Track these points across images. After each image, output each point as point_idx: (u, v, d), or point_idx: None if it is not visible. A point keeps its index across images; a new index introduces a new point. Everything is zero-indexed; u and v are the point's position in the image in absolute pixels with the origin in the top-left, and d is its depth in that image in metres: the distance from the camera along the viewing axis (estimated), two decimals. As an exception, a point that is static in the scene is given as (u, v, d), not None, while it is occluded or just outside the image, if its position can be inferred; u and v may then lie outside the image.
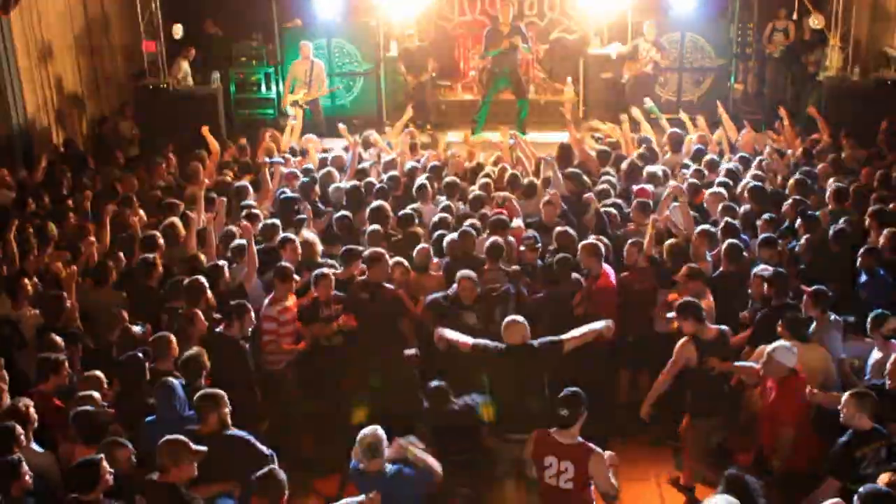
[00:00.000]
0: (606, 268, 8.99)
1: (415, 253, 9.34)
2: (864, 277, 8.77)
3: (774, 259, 9.00)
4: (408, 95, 16.73)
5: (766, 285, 8.43)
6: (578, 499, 6.34)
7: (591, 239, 9.14)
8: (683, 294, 8.29)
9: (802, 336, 7.60)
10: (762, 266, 8.77)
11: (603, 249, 8.98)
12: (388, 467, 6.23)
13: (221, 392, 6.56)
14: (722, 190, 10.57)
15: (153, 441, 6.18)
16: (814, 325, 7.87)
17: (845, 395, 6.46)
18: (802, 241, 9.33)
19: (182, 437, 6.02)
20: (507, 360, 7.34)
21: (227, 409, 6.54)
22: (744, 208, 10.31)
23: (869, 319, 7.69)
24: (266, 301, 8.50)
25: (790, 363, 7.06)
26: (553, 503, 6.43)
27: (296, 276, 8.65)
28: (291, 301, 8.58)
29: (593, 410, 6.50)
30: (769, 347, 7.19)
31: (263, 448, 6.58)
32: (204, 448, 6.10)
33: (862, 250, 8.86)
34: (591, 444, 6.30)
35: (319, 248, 9.65)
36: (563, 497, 6.32)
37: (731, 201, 10.41)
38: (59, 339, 7.61)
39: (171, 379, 6.90)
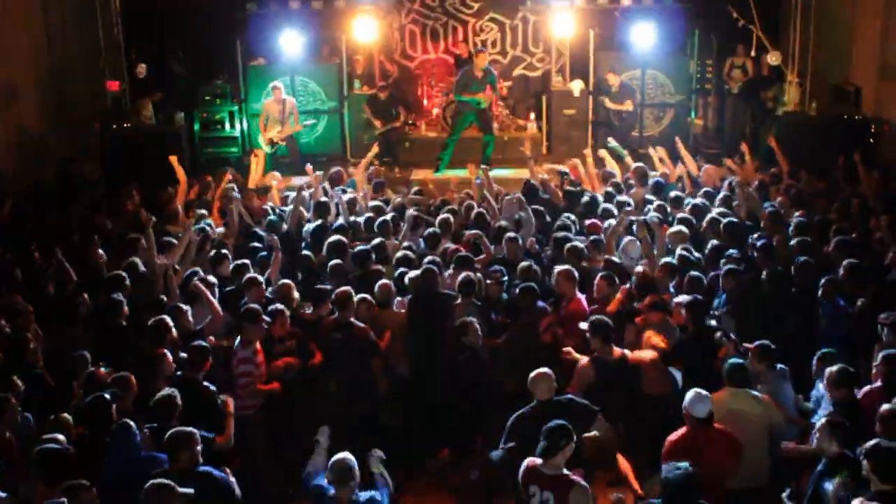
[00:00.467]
0: (580, 295, 9.19)
1: (376, 289, 9.38)
2: (824, 308, 8.93)
3: (736, 291, 9.19)
4: (374, 138, 16.79)
5: (683, 311, 8.57)
6: None
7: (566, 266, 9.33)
8: (647, 321, 8.60)
9: (739, 382, 7.37)
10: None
11: (577, 276, 9.19)
12: (360, 495, 6.23)
13: (193, 430, 6.58)
14: (684, 228, 10.74)
15: (108, 479, 6.27)
16: (762, 379, 7.72)
17: (820, 422, 6.54)
18: (763, 274, 9.46)
19: (170, 483, 5.98)
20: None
21: (199, 448, 6.55)
22: (711, 243, 10.43)
23: (815, 358, 7.77)
24: (237, 343, 8.45)
25: (699, 413, 6.78)
26: None
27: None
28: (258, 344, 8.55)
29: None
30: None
31: (234, 485, 6.61)
32: (191, 490, 6.11)
33: (823, 281, 9.01)
34: (574, 477, 6.27)
35: (296, 294, 9.57)
36: None
37: (693, 237, 10.62)
38: (18, 381, 7.53)
39: (127, 420, 6.87)
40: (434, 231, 10.81)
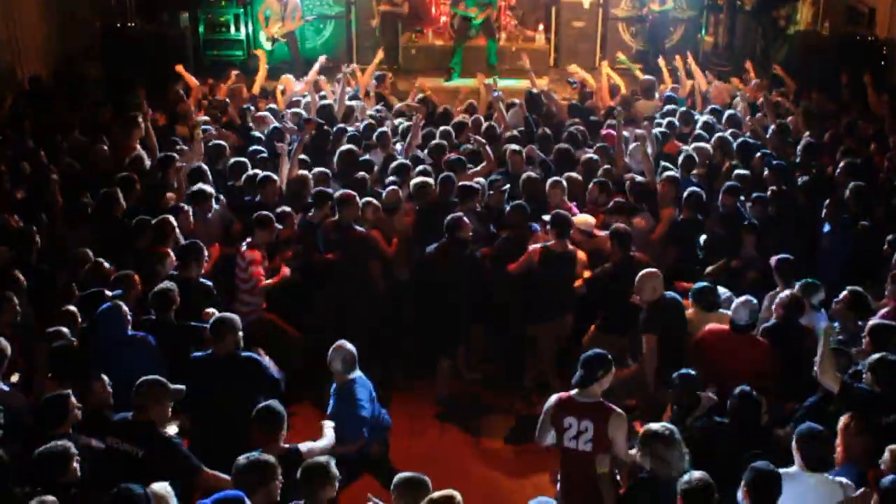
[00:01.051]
0: (570, 203, 9.34)
1: (384, 194, 9.41)
2: (827, 228, 8.93)
3: (732, 208, 9.21)
4: (378, 38, 16.57)
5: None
6: None
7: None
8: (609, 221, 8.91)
9: (708, 306, 7.65)
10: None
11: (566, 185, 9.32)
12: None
13: (236, 316, 6.92)
14: (706, 145, 10.68)
15: (94, 358, 6.53)
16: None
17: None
18: (769, 192, 9.46)
19: (162, 379, 6.06)
20: None
21: (241, 333, 6.85)
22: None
23: (798, 287, 7.67)
24: (245, 246, 8.48)
25: (740, 320, 7.12)
26: (573, 467, 6.05)
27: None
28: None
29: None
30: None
31: (274, 372, 7.04)
32: (182, 387, 6.26)
33: (827, 202, 8.99)
34: (612, 405, 6.01)
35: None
36: (583, 460, 5.96)
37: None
38: (20, 276, 7.54)
39: (117, 302, 6.96)
40: (440, 143, 10.78)
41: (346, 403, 6.86)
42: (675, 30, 17.39)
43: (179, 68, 13.18)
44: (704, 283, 7.84)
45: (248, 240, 8.54)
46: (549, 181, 9.39)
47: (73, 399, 5.91)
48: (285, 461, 5.59)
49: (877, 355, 6.10)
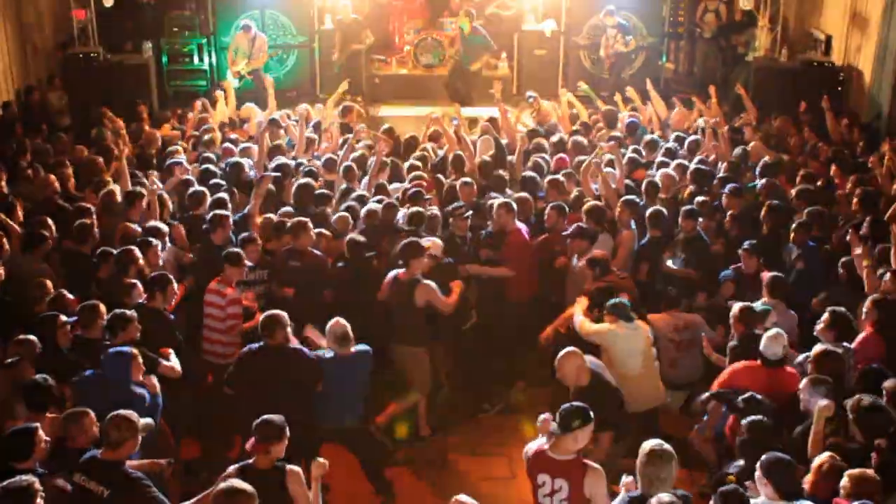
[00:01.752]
0: (519, 225, 9.48)
1: (333, 220, 9.57)
2: (795, 252, 9.06)
3: (692, 232, 9.38)
4: (342, 68, 16.62)
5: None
6: None
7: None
8: (572, 249, 9.13)
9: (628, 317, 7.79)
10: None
11: (515, 207, 9.46)
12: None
13: (283, 313, 7.40)
14: (672, 172, 10.81)
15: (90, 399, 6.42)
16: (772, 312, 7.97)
17: (804, 381, 6.57)
18: (728, 216, 9.64)
19: (132, 414, 5.99)
20: None
21: (290, 328, 7.42)
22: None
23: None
24: (217, 286, 8.37)
25: (772, 355, 7.05)
26: None
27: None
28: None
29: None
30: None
31: (318, 362, 7.44)
32: (149, 421, 6.27)
33: (794, 225, 9.13)
34: (588, 461, 5.79)
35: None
36: None
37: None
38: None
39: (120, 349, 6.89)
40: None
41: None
42: (636, 57, 17.57)
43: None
44: (619, 299, 7.86)
45: (220, 281, 8.39)
46: (497, 203, 9.47)
47: (40, 433, 5.82)
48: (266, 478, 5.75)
49: (865, 404, 6.05)
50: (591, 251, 8.85)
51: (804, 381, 6.57)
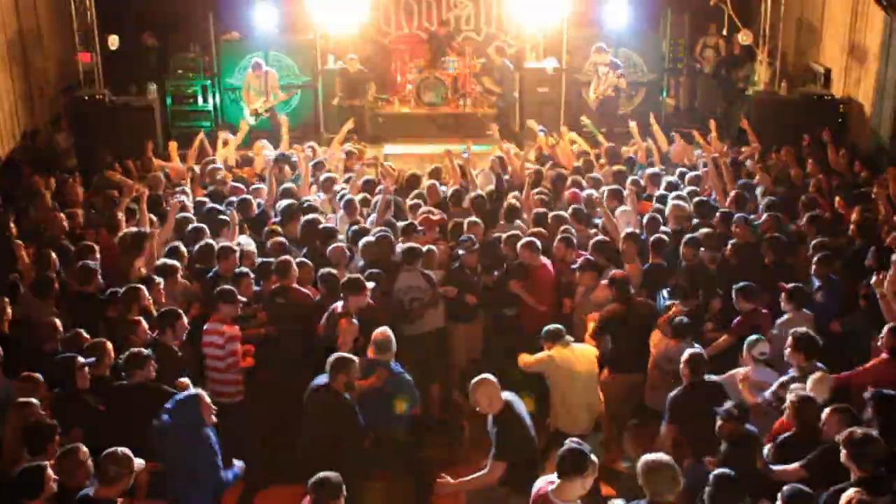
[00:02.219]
0: (544, 260, 9.63)
1: (328, 250, 9.59)
2: (817, 284, 9.08)
3: (693, 261, 9.49)
4: (342, 110, 16.77)
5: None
6: None
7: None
8: (582, 282, 9.28)
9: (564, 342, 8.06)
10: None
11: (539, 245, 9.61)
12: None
13: (352, 357, 7.36)
14: (683, 203, 10.89)
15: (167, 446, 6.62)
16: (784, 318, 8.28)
17: (826, 411, 6.57)
18: (729, 245, 9.71)
19: (128, 452, 6.02)
20: None
21: (355, 375, 7.32)
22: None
23: (746, 343, 7.87)
24: (212, 325, 8.33)
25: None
26: None
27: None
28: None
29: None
30: None
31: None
32: (142, 462, 6.21)
33: (817, 258, 9.13)
34: None
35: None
36: None
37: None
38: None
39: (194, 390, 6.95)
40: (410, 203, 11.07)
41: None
42: (637, 93, 17.72)
43: (172, 147, 13.55)
44: (554, 325, 8.19)
45: (214, 316, 8.35)
46: (521, 243, 9.57)
47: (49, 471, 5.82)
48: None
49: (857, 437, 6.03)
50: (600, 284, 9.00)
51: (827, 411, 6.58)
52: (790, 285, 8.54)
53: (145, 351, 7.36)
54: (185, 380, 7.48)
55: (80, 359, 7.27)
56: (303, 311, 8.89)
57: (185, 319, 8.10)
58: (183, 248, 9.63)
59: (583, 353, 8.10)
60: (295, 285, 9.01)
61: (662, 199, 11.27)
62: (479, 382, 6.90)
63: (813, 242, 9.53)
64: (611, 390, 8.51)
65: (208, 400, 6.76)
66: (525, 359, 8.18)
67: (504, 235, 9.98)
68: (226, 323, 8.31)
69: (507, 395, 6.98)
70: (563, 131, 14.22)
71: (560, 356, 7.94)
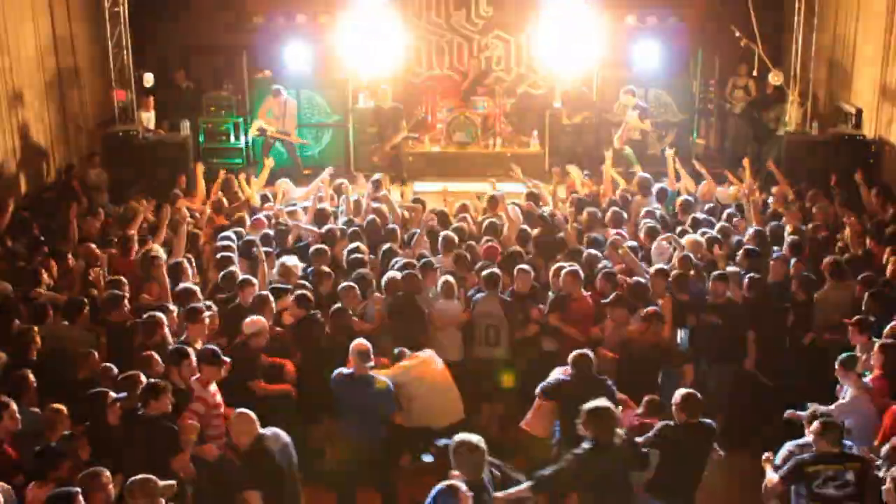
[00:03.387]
0: (584, 293, 9.73)
1: (340, 289, 9.65)
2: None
3: (722, 296, 9.58)
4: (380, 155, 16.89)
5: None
6: None
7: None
8: (613, 317, 9.31)
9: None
10: None
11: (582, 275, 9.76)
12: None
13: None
14: (700, 238, 10.90)
15: None
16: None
17: (815, 424, 6.82)
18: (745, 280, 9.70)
19: (152, 477, 6.06)
20: None
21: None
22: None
23: (839, 362, 7.93)
24: (197, 390, 7.86)
25: None
26: None
27: None
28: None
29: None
30: None
31: None
32: (173, 483, 6.27)
33: (868, 295, 9.19)
34: None
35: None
36: None
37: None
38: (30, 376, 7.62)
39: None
40: (449, 235, 11.12)
41: None
42: (668, 133, 17.69)
43: (198, 170, 13.78)
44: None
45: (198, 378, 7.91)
46: (565, 270, 9.72)
47: (80, 497, 5.85)
48: None
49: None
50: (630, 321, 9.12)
51: None
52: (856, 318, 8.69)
53: (162, 383, 7.32)
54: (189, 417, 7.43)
55: (112, 394, 7.31)
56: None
57: (193, 360, 7.96)
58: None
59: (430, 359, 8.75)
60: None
61: (684, 234, 11.29)
62: (237, 417, 7.08)
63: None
64: None
65: None
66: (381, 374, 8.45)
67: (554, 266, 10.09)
68: (206, 384, 7.86)
69: (268, 430, 7.14)
70: (607, 165, 14.20)
71: (409, 363, 8.67)
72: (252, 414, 7.03)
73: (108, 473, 6.17)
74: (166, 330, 8.45)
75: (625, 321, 9.21)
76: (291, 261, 10.23)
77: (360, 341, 8.20)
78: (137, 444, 7.04)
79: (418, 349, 8.94)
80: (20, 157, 14.65)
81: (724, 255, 10.49)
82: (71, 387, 7.87)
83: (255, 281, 9.53)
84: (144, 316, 8.53)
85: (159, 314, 8.50)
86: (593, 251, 10.63)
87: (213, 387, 7.89)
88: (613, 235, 11.18)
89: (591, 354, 8.12)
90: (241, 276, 9.63)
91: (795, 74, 16.03)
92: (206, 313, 8.82)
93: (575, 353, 8.10)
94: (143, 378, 7.47)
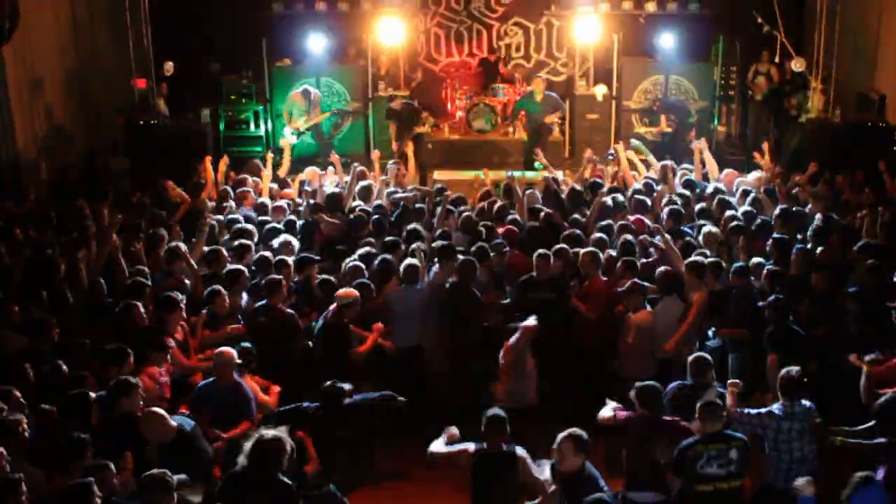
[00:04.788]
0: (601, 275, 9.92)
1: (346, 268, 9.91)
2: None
3: (744, 289, 9.47)
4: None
5: None
6: None
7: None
8: (629, 303, 9.36)
9: None
10: None
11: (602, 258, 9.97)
12: None
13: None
14: (716, 230, 10.84)
15: None
16: None
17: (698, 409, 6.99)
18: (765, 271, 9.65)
19: (166, 474, 6.09)
20: None
21: None
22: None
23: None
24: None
25: None
26: None
27: None
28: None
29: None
30: None
31: None
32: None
33: None
34: None
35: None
36: None
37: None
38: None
39: None
40: (469, 215, 11.45)
41: None
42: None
43: (206, 161, 13.67)
44: None
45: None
46: (584, 252, 9.95)
47: (94, 488, 5.89)
48: None
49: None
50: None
51: None
52: None
53: (133, 380, 7.29)
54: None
55: (91, 394, 7.29)
56: (284, 332, 9.09)
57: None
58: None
59: None
60: (280, 306, 9.14)
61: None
62: (146, 415, 6.97)
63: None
64: None
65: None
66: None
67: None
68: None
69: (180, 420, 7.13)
70: (619, 149, 14.11)
71: None
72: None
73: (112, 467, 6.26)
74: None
75: (641, 306, 9.34)
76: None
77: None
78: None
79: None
80: (41, 144, 14.71)
81: (744, 246, 10.40)
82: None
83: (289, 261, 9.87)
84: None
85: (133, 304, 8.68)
86: (603, 236, 10.68)
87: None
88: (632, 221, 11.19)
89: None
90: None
91: (818, 61, 15.90)
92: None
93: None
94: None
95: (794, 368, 7.35)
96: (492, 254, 10.14)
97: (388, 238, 10.78)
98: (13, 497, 5.77)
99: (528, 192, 12.44)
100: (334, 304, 9.05)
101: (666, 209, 11.41)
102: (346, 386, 7.77)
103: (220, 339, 8.74)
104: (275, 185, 13.59)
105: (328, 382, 7.76)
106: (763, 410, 7.27)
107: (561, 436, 6.58)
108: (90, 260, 9.93)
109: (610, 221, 11.25)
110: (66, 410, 7.08)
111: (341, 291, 9.12)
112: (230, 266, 9.81)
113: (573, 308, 9.74)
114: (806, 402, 7.23)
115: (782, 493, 7.05)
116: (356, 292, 9.08)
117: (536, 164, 14.77)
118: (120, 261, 9.88)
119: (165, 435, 6.89)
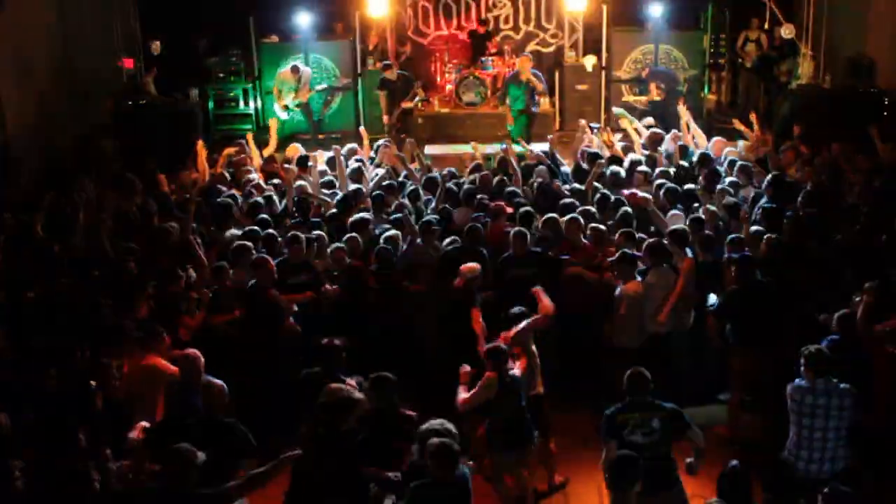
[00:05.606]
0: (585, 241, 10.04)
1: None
2: None
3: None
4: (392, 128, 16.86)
5: None
6: None
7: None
8: (618, 274, 9.42)
9: None
10: None
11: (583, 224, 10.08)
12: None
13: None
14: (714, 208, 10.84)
15: None
16: None
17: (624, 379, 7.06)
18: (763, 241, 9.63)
19: (189, 448, 6.09)
20: None
21: None
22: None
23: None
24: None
25: None
26: None
27: None
28: None
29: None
30: None
31: None
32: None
33: None
34: None
35: None
36: None
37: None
38: None
39: None
40: (471, 189, 11.53)
41: None
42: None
43: (199, 146, 13.47)
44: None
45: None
46: (566, 217, 10.06)
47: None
48: None
49: None
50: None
51: None
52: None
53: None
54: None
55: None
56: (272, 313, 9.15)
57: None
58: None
59: None
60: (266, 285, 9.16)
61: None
62: None
63: None
64: None
65: None
66: None
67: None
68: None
69: None
70: (621, 119, 14.10)
71: None
72: None
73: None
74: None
75: (631, 276, 9.33)
76: None
77: None
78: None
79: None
80: (33, 130, 14.61)
81: (745, 217, 10.43)
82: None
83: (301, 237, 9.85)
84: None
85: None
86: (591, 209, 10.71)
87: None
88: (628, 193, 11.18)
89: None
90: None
91: (808, 27, 15.90)
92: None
93: None
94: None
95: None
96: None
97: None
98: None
99: (537, 168, 12.46)
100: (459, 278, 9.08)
101: (661, 190, 11.38)
102: None
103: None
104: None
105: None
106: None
107: None
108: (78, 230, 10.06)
109: (607, 192, 11.28)
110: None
111: (465, 266, 9.11)
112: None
113: (563, 280, 9.66)
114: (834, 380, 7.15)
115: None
116: (479, 266, 9.14)
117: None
118: (105, 243, 9.93)
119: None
